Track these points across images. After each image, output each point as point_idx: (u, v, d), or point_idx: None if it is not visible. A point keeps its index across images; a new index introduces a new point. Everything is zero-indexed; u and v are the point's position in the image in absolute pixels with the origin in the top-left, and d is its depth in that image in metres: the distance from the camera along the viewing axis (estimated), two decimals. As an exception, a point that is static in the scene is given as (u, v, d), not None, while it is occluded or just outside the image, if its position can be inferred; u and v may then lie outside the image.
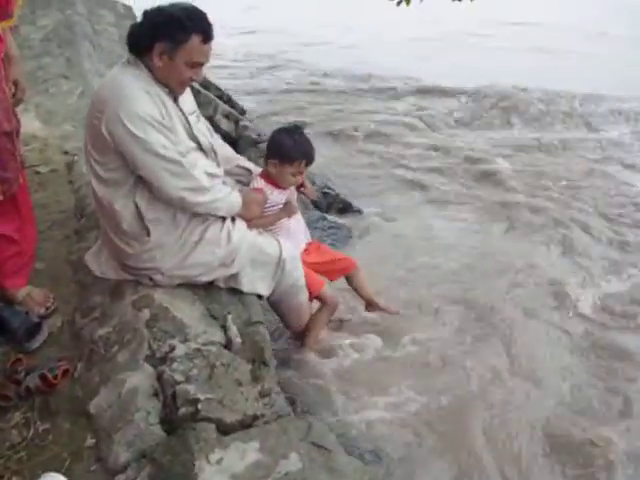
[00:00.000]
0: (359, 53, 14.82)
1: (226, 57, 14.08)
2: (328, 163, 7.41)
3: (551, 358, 4.04)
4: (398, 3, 9.48)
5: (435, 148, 8.42)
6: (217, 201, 2.99)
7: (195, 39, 2.76)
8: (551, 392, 3.72)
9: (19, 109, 3.17)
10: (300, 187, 3.65)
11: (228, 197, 3.06)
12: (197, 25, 2.77)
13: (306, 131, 3.57)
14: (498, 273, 5.05)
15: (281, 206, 3.48)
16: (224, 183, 3.16)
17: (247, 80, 12.57)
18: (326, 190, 6.21)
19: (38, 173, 4.74)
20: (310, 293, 3.45)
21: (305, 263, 3.45)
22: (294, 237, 3.55)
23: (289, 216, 3.49)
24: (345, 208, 6.18)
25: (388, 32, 17.04)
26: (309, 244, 3.76)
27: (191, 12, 2.79)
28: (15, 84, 3.03)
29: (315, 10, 20.98)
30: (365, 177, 7.33)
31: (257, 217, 3.31)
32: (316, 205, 5.93)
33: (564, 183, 7.24)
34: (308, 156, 3.43)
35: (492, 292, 4.72)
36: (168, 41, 2.76)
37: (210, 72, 10.14)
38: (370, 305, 3.94)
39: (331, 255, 3.84)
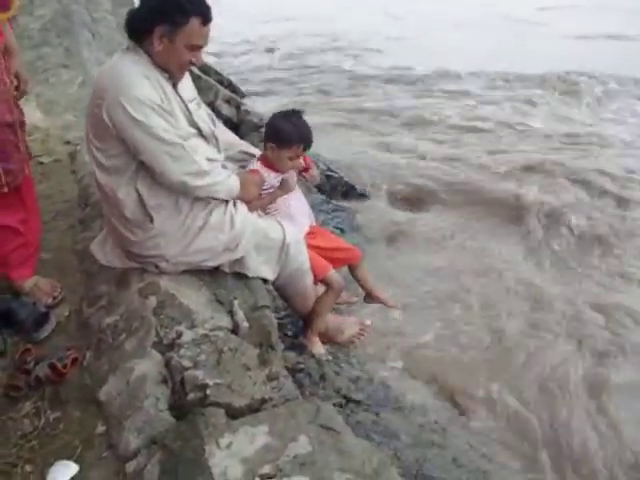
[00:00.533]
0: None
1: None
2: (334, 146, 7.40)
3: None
4: None
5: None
6: (216, 184, 2.99)
7: (195, 21, 2.75)
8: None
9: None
10: (303, 171, 3.63)
11: (227, 180, 3.05)
12: (196, 7, 2.76)
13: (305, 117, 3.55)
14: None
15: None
16: (223, 167, 3.16)
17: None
18: (329, 173, 6.18)
19: (41, 164, 4.76)
20: (315, 276, 3.45)
21: (309, 246, 3.43)
22: (296, 218, 3.53)
23: (286, 192, 3.44)
24: (348, 192, 6.15)
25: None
26: (314, 227, 3.73)
27: None
28: (17, 77, 3.03)
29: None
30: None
31: (255, 198, 3.29)
32: (320, 188, 5.91)
33: None
34: (305, 140, 3.40)
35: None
36: (168, 24, 2.75)
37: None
38: (370, 296, 3.94)
39: (336, 242, 3.81)
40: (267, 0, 20.35)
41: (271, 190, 3.41)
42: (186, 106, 2.98)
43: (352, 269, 3.85)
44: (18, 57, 3.06)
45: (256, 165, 3.43)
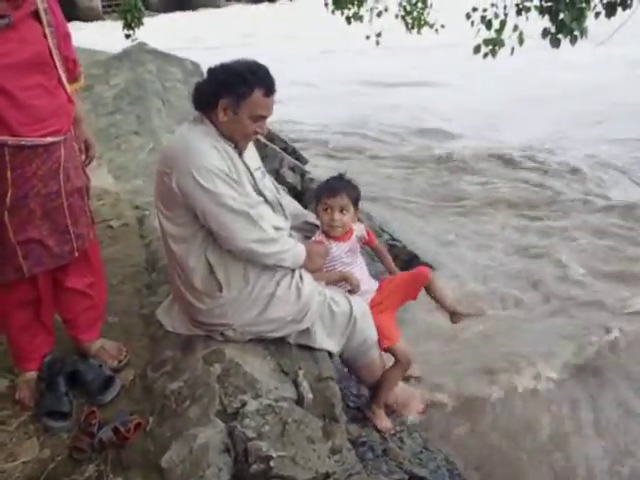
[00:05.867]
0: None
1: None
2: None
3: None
4: (348, 20, 10.35)
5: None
6: (284, 252, 3.00)
7: (258, 93, 2.83)
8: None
9: (93, 165, 3.27)
10: (366, 243, 3.66)
11: (294, 248, 3.07)
12: (259, 79, 2.84)
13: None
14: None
15: (344, 259, 3.46)
16: (290, 235, 3.18)
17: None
18: (391, 242, 6.16)
19: (110, 227, 4.85)
20: (381, 346, 3.40)
21: (376, 314, 3.40)
22: (361, 288, 3.48)
23: (352, 289, 3.38)
24: (412, 261, 6.07)
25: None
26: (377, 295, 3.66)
27: (253, 67, 2.87)
28: (85, 143, 3.13)
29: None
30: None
31: (319, 269, 3.30)
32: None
33: None
34: (328, 190, 3.41)
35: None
36: (232, 96, 2.83)
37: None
38: (454, 315, 3.76)
39: (400, 277, 3.72)
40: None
41: (335, 262, 3.43)
42: (252, 174, 3.03)
43: (429, 291, 3.71)
44: (85, 124, 3.16)
45: (320, 235, 3.45)
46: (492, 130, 12.07)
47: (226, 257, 2.97)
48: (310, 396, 2.83)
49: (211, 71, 2.96)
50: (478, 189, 8.81)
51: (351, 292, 3.36)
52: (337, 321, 3.21)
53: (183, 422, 2.73)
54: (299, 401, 2.83)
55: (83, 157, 3.11)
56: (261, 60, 2.95)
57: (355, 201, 3.45)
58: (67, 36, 2.91)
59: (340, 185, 3.44)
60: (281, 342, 3.18)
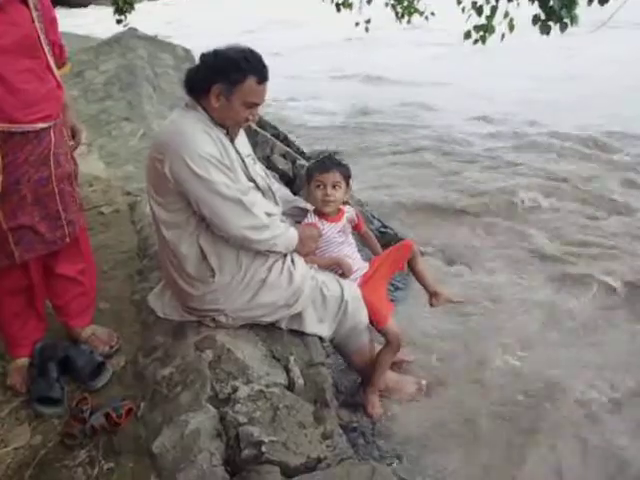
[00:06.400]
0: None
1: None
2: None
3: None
4: (337, 7, 10.50)
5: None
6: (276, 237, 3.01)
7: (251, 80, 2.83)
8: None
9: (83, 151, 3.26)
10: (355, 228, 3.69)
11: (286, 233, 3.08)
12: (252, 66, 2.84)
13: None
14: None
15: (337, 239, 3.49)
16: (282, 220, 3.19)
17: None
18: (382, 229, 6.16)
19: (102, 214, 4.85)
20: (374, 326, 3.41)
21: (366, 292, 3.41)
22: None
23: (344, 272, 3.42)
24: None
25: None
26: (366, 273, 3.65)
27: (247, 54, 2.87)
28: (72, 129, 3.12)
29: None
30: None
31: (312, 252, 3.33)
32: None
33: None
34: (321, 167, 3.45)
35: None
36: (224, 82, 2.83)
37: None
38: (435, 295, 3.72)
39: (386, 251, 3.73)
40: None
41: (328, 242, 3.46)
42: (243, 161, 3.04)
43: (411, 267, 3.71)
44: (72, 110, 3.15)
45: (312, 217, 3.47)
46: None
47: (219, 243, 2.97)
48: (301, 381, 2.85)
49: (204, 57, 2.95)
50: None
51: (343, 275, 3.39)
52: (329, 306, 3.23)
53: (174, 408, 2.74)
54: (290, 386, 2.84)
55: (71, 143, 3.10)
56: (257, 49, 2.94)
57: (346, 179, 3.49)
58: (53, 21, 2.90)
59: (332, 162, 3.49)
60: (272, 328, 3.19)
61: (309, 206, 3.54)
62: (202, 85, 2.90)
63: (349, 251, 3.53)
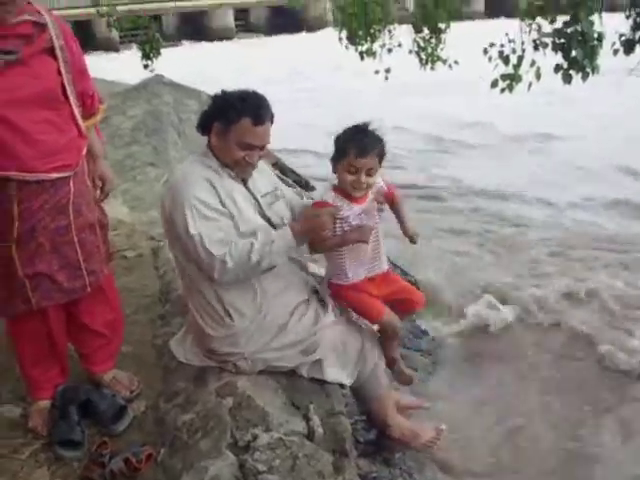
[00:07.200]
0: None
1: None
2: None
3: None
4: (361, 55, 10.46)
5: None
6: (264, 257, 2.87)
7: (245, 120, 2.89)
8: None
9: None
10: (388, 199, 3.20)
11: (269, 245, 2.89)
12: (248, 107, 2.90)
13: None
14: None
15: (352, 221, 3.06)
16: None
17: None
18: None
19: (125, 258, 4.90)
20: (369, 320, 3.27)
21: (364, 291, 3.19)
22: (362, 260, 3.16)
23: (361, 239, 3.02)
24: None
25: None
26: (381, 275, 3.28)
27: (246, 95, 2.96)
28: (101, 178, 3.17)
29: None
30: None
31: (324, 235, 2.98)
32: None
33: None
34: (358, 150, 2.94)
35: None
36: (222, 121, 2.93)
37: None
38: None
39: (399, 284, 3.37)
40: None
41: (348, 224, 3.06)
42: (257, 200, 3.08)
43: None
44: (101, 159, 3.20)
45: (329, 196, 3.08)
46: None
47: (235, 288, 3.01)
48: (321, 431, 2.84)
49: (212, 98, 3.07)
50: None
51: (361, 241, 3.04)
52: (349, 354, 3.21)
53: (194, 454, 2.74)
54: (310, 435, 2.83)
55: (98, 192, 3.15)
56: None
57: (381, 159, 3.06)
58: (83, 72, 2.96)
59: (370, 142, 2.99)
60: (292, 375, 3.18)
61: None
62: (206, 123, 3.02)
63: (366, 248, 3.12)
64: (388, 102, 15.48)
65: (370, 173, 2.99)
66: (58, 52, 2.74)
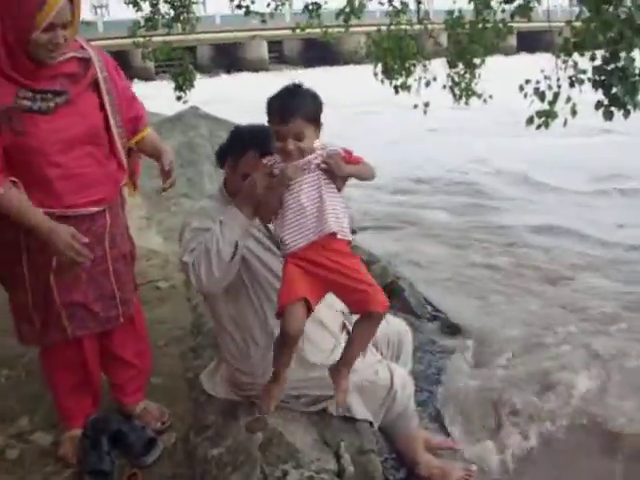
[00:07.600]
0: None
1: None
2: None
3: None
4: (396, 89, 10.43)
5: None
6: (217, 243, 2.65)
7: (251, 154, 2.87)
8: None
9: (143, 224, 3.34)
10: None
11: (215, 227, 2.69)
12: (255, 140, 2.88)
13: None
14: None
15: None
16: None
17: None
18: (435, 313, 5.96)
19: (158, 288, 4.94)
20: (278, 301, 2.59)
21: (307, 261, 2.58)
22: (299, 227, 2.58)
23: (283, 183, 2.55)
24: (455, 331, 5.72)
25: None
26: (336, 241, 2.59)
27: (256, 129, 2.95)
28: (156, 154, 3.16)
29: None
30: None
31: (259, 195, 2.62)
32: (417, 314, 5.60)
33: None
34: (278, 115, 2.52)
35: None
36: (232, 155, 2.97)
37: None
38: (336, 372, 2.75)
39: (350, 260, 2.61)
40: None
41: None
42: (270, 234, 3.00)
43: (357, 324, 2.70)
44: (168, 152, 3.17)
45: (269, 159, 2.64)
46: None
47: (243, 315, 3.01)
48: (351, 469, 2.82)
49: (230, 132, 3.09)
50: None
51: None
52: (377, 393, 3.17)
53: (224, 489, 2.74)
54: (340, 473, 2.81)
55: (166, 166, 3.11)
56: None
57: (315, 119, 2.58)
58: (131, 98, 3.01)
59: (293, 105, 2.53)
60: (323, 412, 3.17)
61: None
62: (220, 158, 3.07)
63: (308, 199, 2.57)
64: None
65: (299, 137, 2.53)
66: (102, 85, 2.79)
